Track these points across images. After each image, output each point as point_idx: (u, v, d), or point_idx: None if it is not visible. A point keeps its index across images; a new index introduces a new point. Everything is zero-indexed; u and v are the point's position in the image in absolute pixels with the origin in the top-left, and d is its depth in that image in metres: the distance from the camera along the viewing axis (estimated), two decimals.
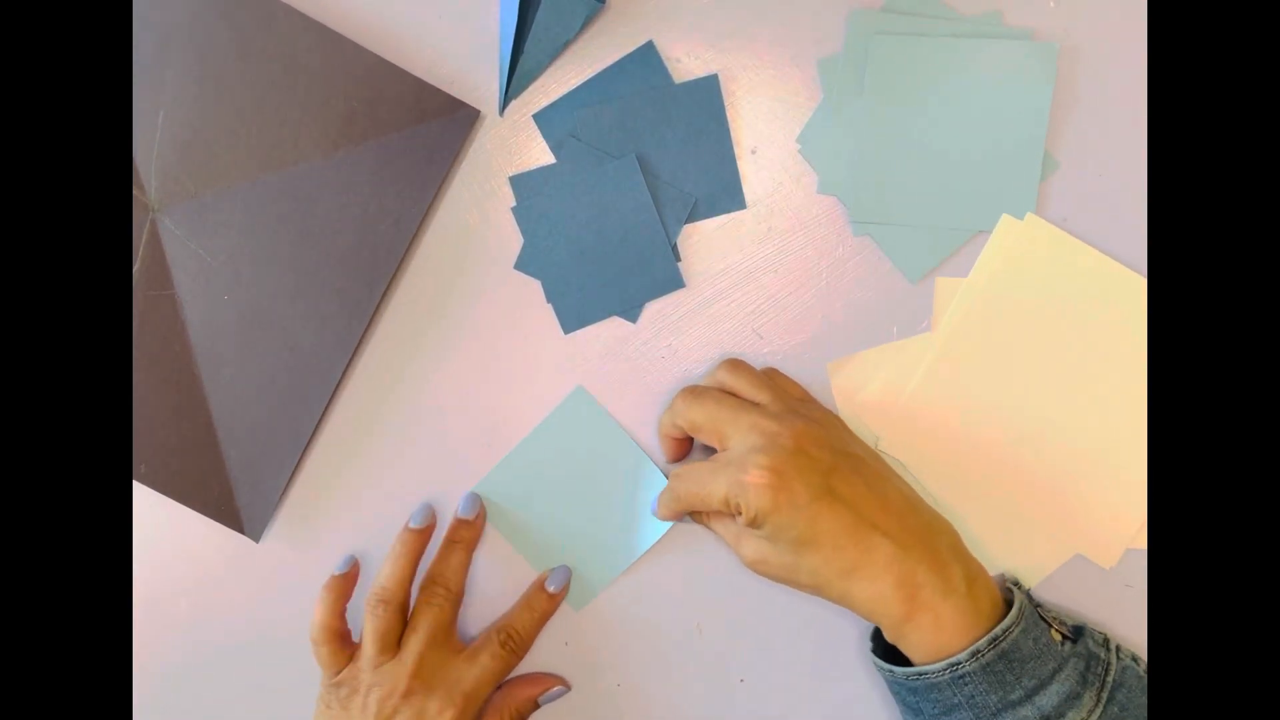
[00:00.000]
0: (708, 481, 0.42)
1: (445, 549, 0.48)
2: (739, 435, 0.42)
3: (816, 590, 0.42)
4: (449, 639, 0.47)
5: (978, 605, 0.41)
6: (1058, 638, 0.42)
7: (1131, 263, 0.47)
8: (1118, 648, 0.43)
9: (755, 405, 0.44)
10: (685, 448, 0.48)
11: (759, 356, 0.49)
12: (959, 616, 0.41)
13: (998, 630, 0.40)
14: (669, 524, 0.48)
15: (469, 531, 0.49)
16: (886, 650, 0.44)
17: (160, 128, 0.48)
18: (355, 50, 0.47)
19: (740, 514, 0.41)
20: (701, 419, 0.44)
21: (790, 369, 0.49)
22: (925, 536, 0.42)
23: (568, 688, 0.49)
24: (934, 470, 0.48)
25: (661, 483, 0.48)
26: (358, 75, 0.47)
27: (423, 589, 0.47)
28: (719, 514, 0.44)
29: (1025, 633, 0.41)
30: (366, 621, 0.46)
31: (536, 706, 0.49)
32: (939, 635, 0.40)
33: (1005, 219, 0.47)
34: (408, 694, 0.44)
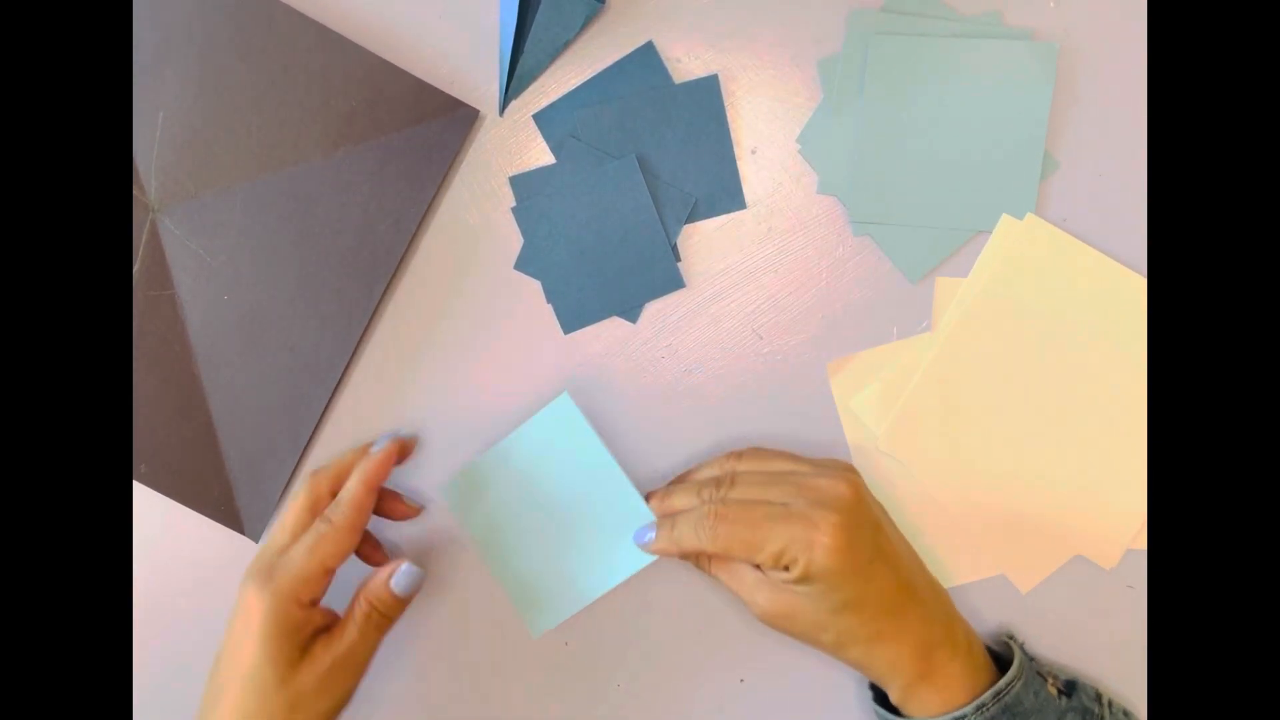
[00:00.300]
0: (763, 529, 0.40)
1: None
2: (795, 494, 0.41)
3: (836, 650, 0.42)
4: (295, 529, 0.43)
5: (976, 661, 0.42)
6: (1054, 691, 0.42)
7: (1131, 263, 0.47)
8: (1110, 702, 0.44)
9: (790, 471, 0.44)
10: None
11: (759, 356, 0.49)
12: (964, 675, 0.41)
13: (1001, 684, 0.40)
14: (650, 559, 0.45)
15: (369, 460, 0.45)
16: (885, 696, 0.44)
17: (160, 128, 0.48)
18: (355, 50, 0.47)
19: (788, 569, 0.40)
20: (757, 494, 0.42)
21: (790, 369, 0.49)
22: (935, 596, 0.43)
23: (418, 568, 0.44)
24: (934, 471, 0.48)
25: (643, 511, 0.46)
26: (358, 75, 0.47)
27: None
28: (732, 559, 0.43)
29: (1026, 686, 0.41)
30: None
31: (399, 601, 0.44)
32: (946, 694, 0.41)
33: (1005, 219, 0.47)
34: (245, 579, 0.42)
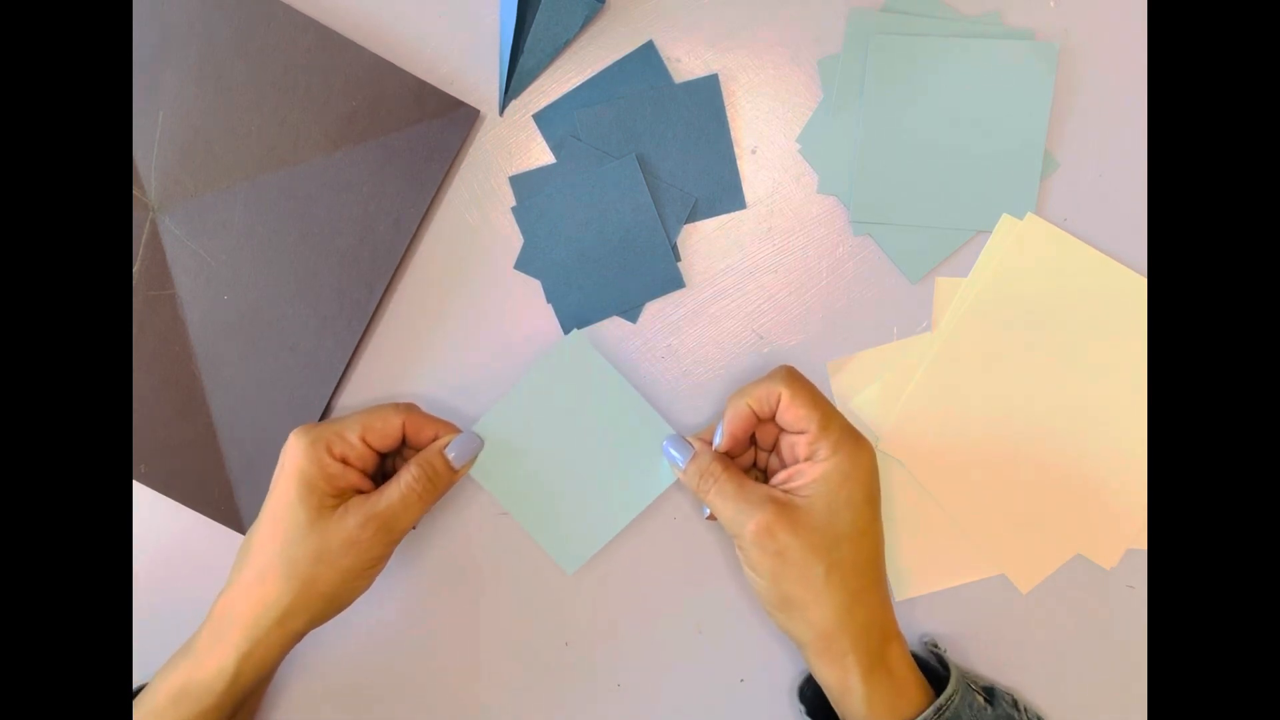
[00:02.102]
0: (823, 401, 0.42)
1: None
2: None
3: (822, 585, 0.40)
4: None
5: (915, 668, 0.42)
6: (981, 700, 0.42)
7: (1131, 263, 0.47)
8: (1025, 708, 0.44)
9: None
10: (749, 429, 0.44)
11: (759, 356, 0.49)
12: (911, 676, 0.41)
13: (942, 699, 0.40)
14: (674, 478, 0.46)
15: (440, 460, 0.44)
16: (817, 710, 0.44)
17: (160, 128, 0.48)
18: (355, 50, 0.47)
19: (810, 457, 0.41)
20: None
21: None
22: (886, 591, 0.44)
23: (478, 438, 0.45)
24: (934, 470, 0.48)
25: (665, 428, 0.46)
26: (358, 75, 0.47)
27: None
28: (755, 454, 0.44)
29: (963, 699, 0.41)
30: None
31: (450, 470, 0.44)
32: (898, 697, 0.40)
33: (1005, 219, 0.47)
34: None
